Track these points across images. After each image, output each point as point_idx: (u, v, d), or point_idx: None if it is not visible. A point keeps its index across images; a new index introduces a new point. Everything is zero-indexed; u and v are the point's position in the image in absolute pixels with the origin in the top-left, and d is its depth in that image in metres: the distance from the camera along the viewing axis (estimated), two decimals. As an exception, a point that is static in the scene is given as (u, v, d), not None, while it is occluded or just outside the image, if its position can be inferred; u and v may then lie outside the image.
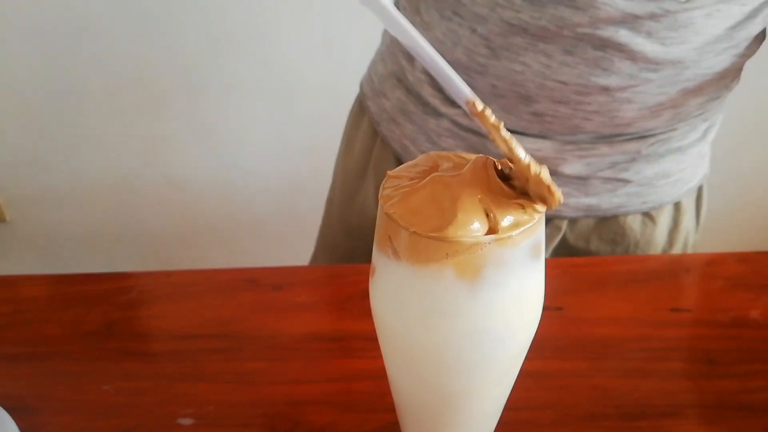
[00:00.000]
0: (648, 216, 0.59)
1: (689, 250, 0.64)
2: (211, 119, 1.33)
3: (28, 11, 1.19)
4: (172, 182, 1.40)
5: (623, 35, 0.45)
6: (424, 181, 0.25)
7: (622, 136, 0.53)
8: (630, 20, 0.44)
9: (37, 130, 1.34)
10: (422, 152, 0.58)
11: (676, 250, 0.62)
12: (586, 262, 0.55)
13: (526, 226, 0.24)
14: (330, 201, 0.74)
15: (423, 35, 0.62)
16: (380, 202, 0.26)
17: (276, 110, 1.32)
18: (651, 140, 0.54)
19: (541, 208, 0.24)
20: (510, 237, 0.23)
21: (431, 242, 0.23)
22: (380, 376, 0.32)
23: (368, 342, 0.40)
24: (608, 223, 0.59)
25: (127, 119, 1.33)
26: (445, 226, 0.23)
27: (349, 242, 0.69)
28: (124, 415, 0.39)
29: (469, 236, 0.23)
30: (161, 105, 1.31)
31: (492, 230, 0.23)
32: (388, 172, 0.27)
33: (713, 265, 0.54)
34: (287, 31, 1.21)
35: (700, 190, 0.63)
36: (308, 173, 1.36)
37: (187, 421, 0.38)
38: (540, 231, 0.25)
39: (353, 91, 0.69)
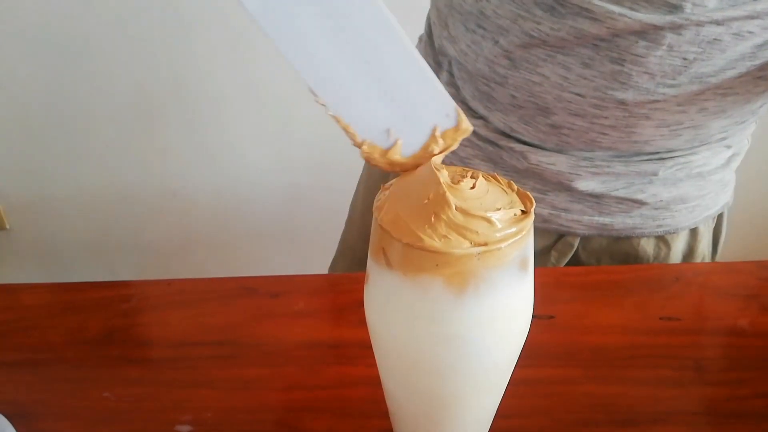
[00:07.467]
0: (662, 240, 0.58)
1: None
2: (210, 130, 1.34)
3: (29, 23, 1.21)
4: (172, 192, 1.41)
5: (642, 47, 0.45)
6: (418, 192, 0.26)
7: (640, 155, 0.53)
8: (650, 31, 0.44)
9: (38, 139, 1.35)
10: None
11: None
12: (578, 271, 0.55)
13: (515, 239, 0.25)
14: (353, 206, 0.75)
15: (450, 48, 0.62)
16: (374, 214, 0.26)
17: (274, 121, 1.32)
18: (669, 163, 0.53)
19: (528, 214, 0.25)
20: (499, 249, 0.24)
21: (422, 253, 0.24)
22: (376, 383, 0.33)
23: (364, 349, 0.41)
24: (621, 244, 0.58)
25: (126, 129, 1.34)
26: (435, 237, 0.24)
27: (368, 247, 0.69)
28: (124, 422, 0.40)
29: (459, 248, 0.24)
30: (161, 115, 1.32)
31: (481, 242, 0.24)
32: (383, 185, 0.28)
33: (702, 274, 0.55)
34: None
35: (719, 217, 0.62)
36: (306, 183, 1.37)
37: (185, 428, 0.39)
38: (528, 244, 0.26)
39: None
